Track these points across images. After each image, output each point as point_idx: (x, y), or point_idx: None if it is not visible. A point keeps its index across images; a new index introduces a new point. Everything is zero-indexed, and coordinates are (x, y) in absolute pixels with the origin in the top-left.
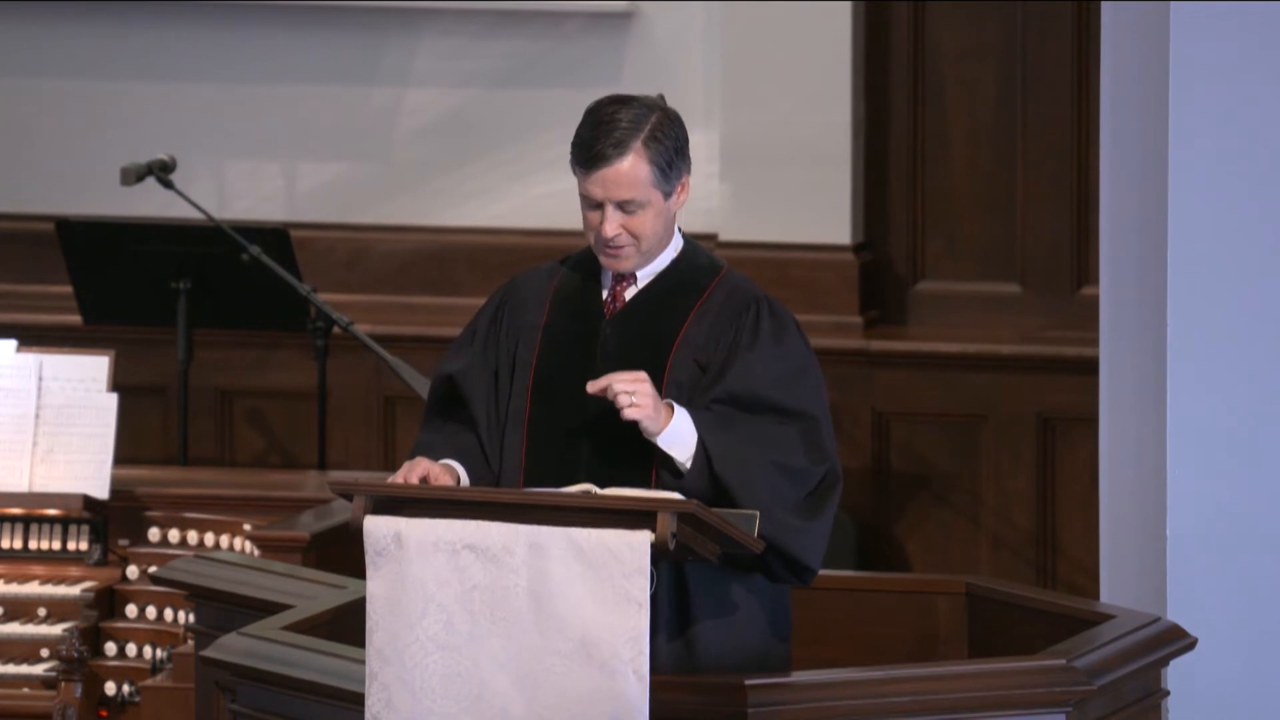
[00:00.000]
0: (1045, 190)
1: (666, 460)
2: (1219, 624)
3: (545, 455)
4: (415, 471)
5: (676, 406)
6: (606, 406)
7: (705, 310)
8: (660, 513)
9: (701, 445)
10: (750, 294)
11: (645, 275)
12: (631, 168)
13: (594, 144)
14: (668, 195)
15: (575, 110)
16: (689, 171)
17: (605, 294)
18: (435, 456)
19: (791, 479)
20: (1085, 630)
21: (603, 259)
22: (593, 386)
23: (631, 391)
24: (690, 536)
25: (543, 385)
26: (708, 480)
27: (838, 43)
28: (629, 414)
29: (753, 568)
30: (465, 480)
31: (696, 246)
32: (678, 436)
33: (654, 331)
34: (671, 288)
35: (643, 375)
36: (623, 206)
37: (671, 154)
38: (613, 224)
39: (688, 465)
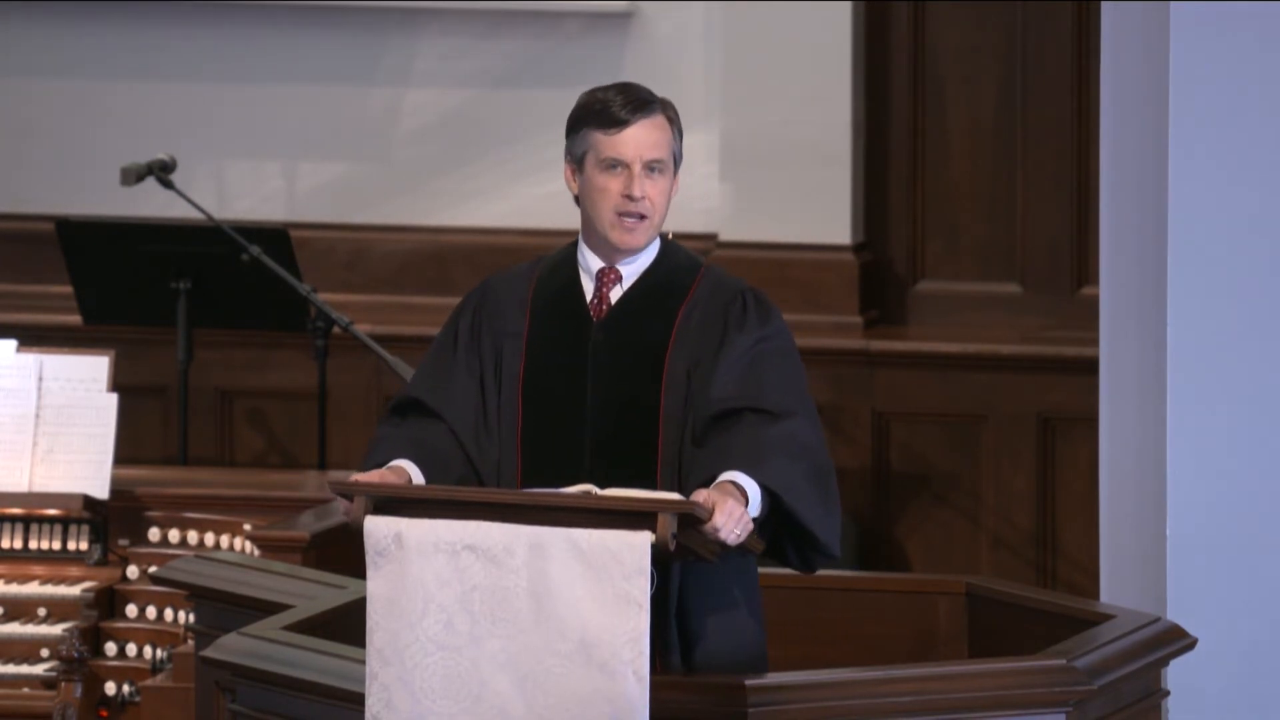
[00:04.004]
0: (1045, 190)
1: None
2: (1219, 624)
3: (542, 463)
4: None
5: (740, 480)
6: (600, 409)
7: (692, 308)
8: (660, 513)
9: (768, 493)
10: (734, 287)
11: (630, 275)
12: (661, 125)
13: (620, 105)
14: (675, 172)
15: None
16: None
17: (590, 296)
18: (388, 456)
19: (818, 478)
20: (1085, 630)
21: (615, 235)
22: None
23: (739, 531)
24: (690, 537)
25: (534, 394)
26: (772, 514)
27: (838, 43)
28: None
29: (769, 554)
30: (418, 478)
31: (674, 244)
32: (751, 504)
33: (645, 336)
34: (656, 286)
35: (740, 509)
36: (650, 168)
37: (680, 129)
38: (641, 184)
39: (755, 514)
